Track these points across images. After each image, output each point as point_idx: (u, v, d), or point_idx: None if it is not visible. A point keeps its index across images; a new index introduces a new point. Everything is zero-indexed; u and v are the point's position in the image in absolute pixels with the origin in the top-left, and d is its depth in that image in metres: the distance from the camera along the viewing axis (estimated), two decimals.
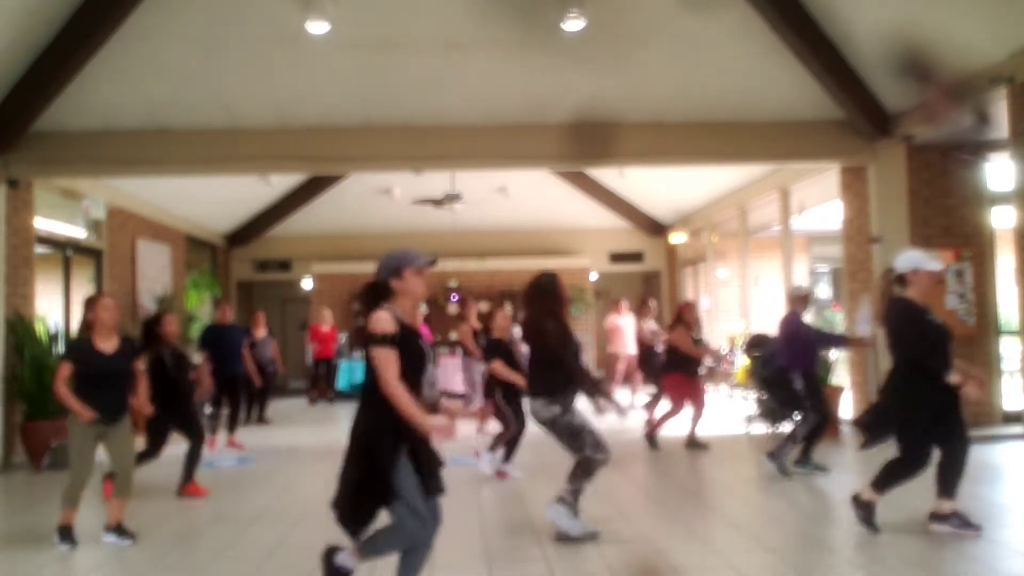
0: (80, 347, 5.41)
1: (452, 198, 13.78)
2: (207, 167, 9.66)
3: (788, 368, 7.20)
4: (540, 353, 5.16)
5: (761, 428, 9.58)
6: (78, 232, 10.53)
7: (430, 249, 3.86)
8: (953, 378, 4.73)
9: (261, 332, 11.81)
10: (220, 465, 8.25)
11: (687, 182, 13.42)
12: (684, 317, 8.84)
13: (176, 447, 6.92)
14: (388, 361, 3.37)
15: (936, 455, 4.96)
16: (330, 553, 3.66)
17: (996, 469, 7.11)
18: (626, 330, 12.52)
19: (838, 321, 11.40)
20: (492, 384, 7.37)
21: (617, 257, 17.12)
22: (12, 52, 7.59)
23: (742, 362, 11.19)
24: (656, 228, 16.92)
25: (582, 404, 5.19)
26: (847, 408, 9.46)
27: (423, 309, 15.33)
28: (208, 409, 9.33)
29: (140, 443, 6.34)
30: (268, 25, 8.17)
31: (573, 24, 7.97)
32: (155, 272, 12.48)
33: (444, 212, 14.79)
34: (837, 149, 9.35)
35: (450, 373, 12.29)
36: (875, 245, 9.22)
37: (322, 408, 14.19)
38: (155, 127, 9.01)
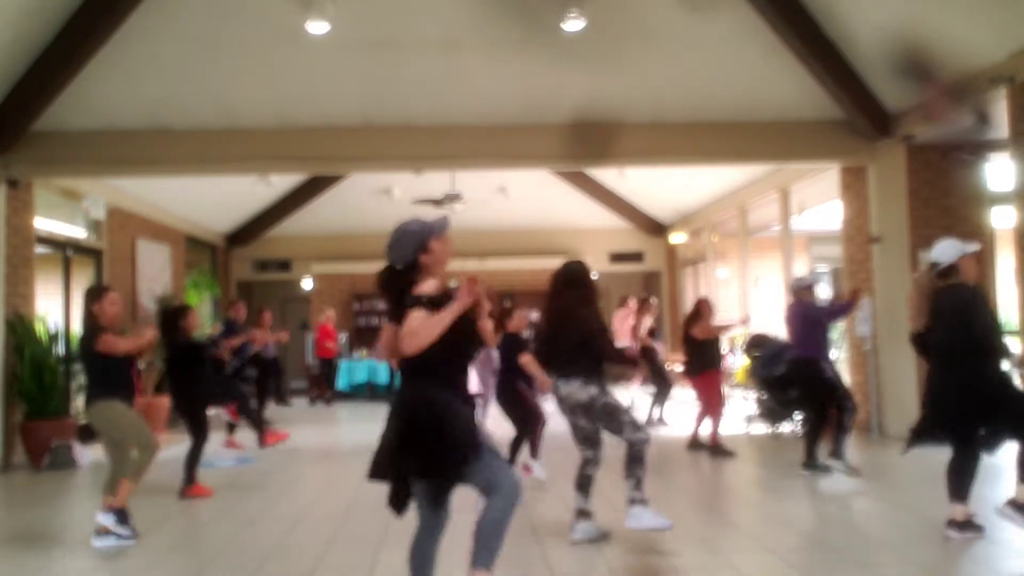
0: (102, 330, 5.37)
1: (452, 198, 13.79)
2: (207, 167, 9.66)
3: (813, 357, 7.01)
4: (573, 336, 5.06)
5: (761, 428, 9.59)
6: (78, 232, 10.53)
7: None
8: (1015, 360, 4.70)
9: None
10: (220, 465, 8.25)
11: (687, 182, 13.42)
12: (702, 311, 8.70)
13: (178, 447, 6.93)
14: (417, 317, 3.24)
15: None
16: None
17: (996, 469, 7.10)
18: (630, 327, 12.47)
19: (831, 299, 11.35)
20: (511, 379, 6.96)
21: (617, 257, 17.12)
22: (12, 52, 7.59)
23: (742, 362, 11.19)
24: (656, 228, 16.92)
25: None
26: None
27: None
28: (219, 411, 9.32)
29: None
30: (268, 25, 8.17)
31: (573, 24, 7.97)
32: (155, 272, 12.48)
33: (444, 212, 14.75)
34: (837, 149, 9.35)
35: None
36: (875, 245, 9.22)
37: (322, 408, 14.20)
38: (155, 127, 9.01)
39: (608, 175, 14.71)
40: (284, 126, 9.24)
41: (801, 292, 7.35)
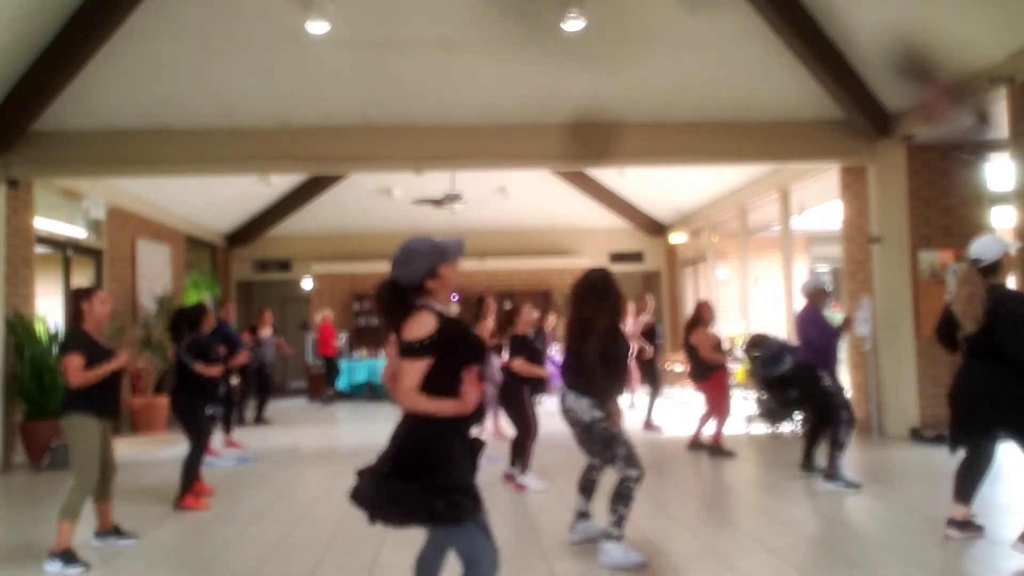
0: (83, 339, 5.03)
1: (452, 198, 13.79)
2: (207, 167, 9.66)
3: (814, 364, 6.76)
4: (592, 353, 4.73)
5: (761, 428, 9.58)
6: (78, 232, 10.54)
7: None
8: None
9: (267, 331, 11.84)
10: (220, 465, 8.24)
11: (687, 182, 13.43)
12: (703, 316, 8.56)
13: (178, 448, 6.91)
14: (412, 372, 3.05)
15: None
16: None
17: (996, 469, 7.10)
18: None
19: (838, 321, 11.36)
20: (515, 383, 6.93)
21: (617, 257, 17.10)
22: (12, 52, 7.59)
23: (743, 362, 11.18)
24: (656, 228, 16.92)
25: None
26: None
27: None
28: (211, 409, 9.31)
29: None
30: (268, 25, 8.17)
31: (573, 24, 7.97)
32: (155, 272, 12.48)
33: (444, 212, 14.78)
34: (837, 149, 9.35)
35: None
36: (875, 245, 9.22)
37: (321, 408, 14.19)
38: (155, 127, 9.01)
39: (608, 175, 14.71)
40: (284, 126, 9.25)
41: (815, 296, 7.00)
